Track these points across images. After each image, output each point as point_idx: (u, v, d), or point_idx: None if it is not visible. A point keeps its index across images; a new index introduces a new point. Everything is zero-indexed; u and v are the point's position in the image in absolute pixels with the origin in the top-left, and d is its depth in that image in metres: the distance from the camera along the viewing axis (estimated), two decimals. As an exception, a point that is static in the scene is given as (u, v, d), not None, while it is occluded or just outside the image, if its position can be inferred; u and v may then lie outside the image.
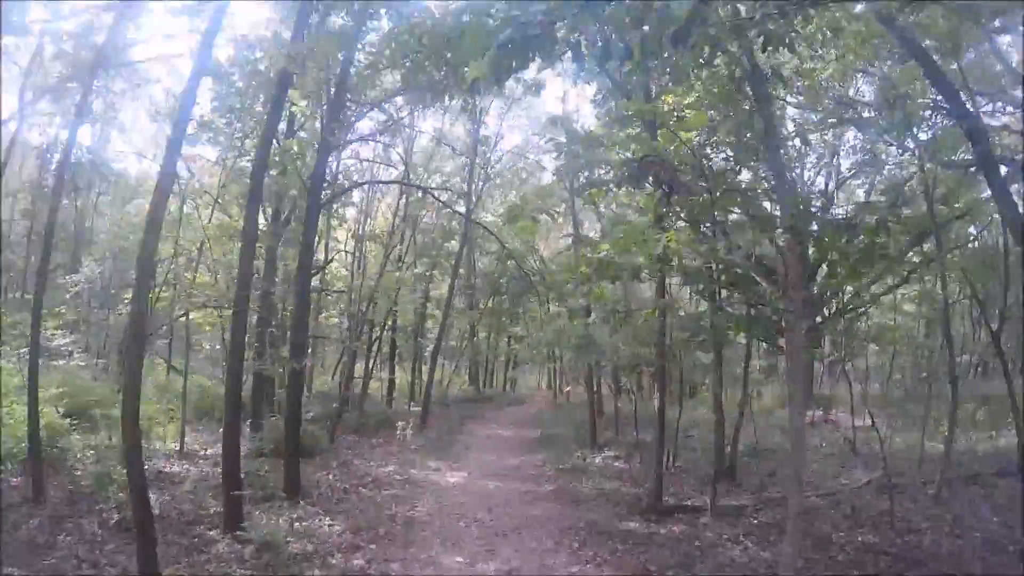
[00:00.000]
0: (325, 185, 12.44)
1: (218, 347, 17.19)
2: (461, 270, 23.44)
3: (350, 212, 23.03)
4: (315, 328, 22.02)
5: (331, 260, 17.60)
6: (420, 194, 22.37)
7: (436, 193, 17.79)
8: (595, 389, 16.58)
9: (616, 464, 13.16)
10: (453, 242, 24.08)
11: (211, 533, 7.90)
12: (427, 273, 23.76)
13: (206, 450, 13.16)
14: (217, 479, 11.18)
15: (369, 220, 22.10)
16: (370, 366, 21.81)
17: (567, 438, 16.44)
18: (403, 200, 21.58)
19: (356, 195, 22.14)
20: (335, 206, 19.95)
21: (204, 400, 16.35)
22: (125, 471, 8.99)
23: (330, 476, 11.42)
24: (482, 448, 15.74)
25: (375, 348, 21.28)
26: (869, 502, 9.77)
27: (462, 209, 20.12)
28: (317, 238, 20.16)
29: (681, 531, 8.35)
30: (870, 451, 13.00)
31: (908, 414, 15.89)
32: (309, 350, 22.59)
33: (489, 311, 26.10)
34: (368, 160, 19.07)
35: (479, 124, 22.42)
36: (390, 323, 24.03)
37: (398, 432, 15.26)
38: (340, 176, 19.52)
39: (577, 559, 7.19)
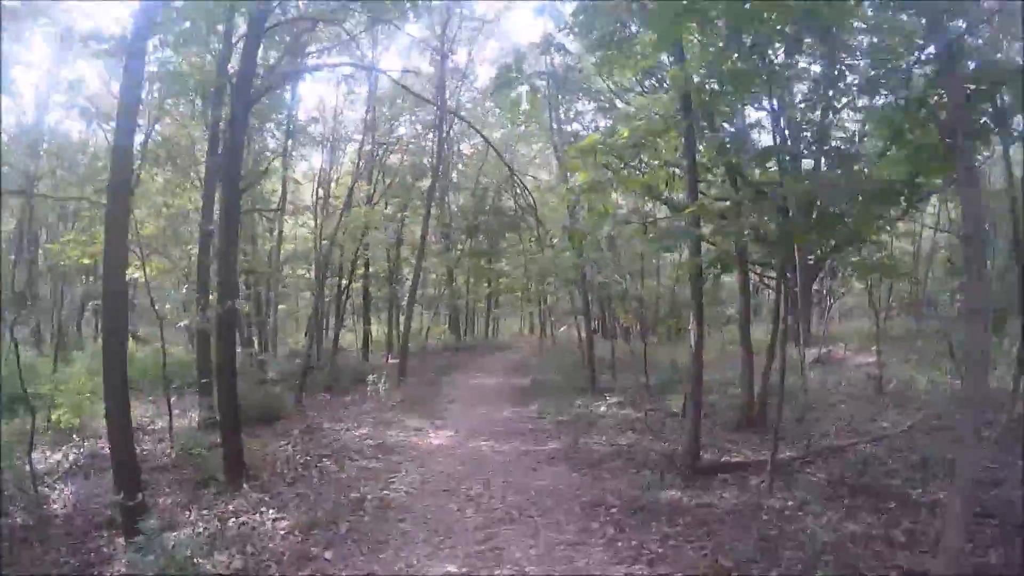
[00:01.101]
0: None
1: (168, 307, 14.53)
2: (434, 209, 20.80)
3: (316, 161, 20.22)
4: (281, 281, 19.54)
5: (266, 169, 14.59)
6: (388, 129, 19.62)
7: (406, 82, 14.78)
8: (591, 328, 14.32)
9: (624, 412, 11.05)
10: (425, 181, 21.39)
11: (120, 541, 5.62)
12: (398, 215, 21.12)
13: (154, 423, 10.86)
14: (159, 460, 8.89)
15: (333, 160, 19.13)
16: (342, 316, 19.41)
17: (560, 384, 14.32)
18: (368, 143, 18.70)
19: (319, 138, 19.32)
20: (293, 154, 17.21)
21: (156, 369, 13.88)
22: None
23: (289, 447, 9.12)
24: (468, 400, 13.55)
25: (346, 297, 18.74)
26: (929, 449, 7.82)
27: (436, 107, 17.11)
28: (279, 180, 17.45)
29: (736, 499, 6.23)
30: (895, 391, 11.17)
31: (926, 351, 14.24)
32: (278, 305, 20.17)
33: (468, 253, 23.55)
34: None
35: (447, 52, 19.43)
36: (361, 271, 21.54)
37: (369, 386, 12.94)
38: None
39: (616, 554, 5.00)
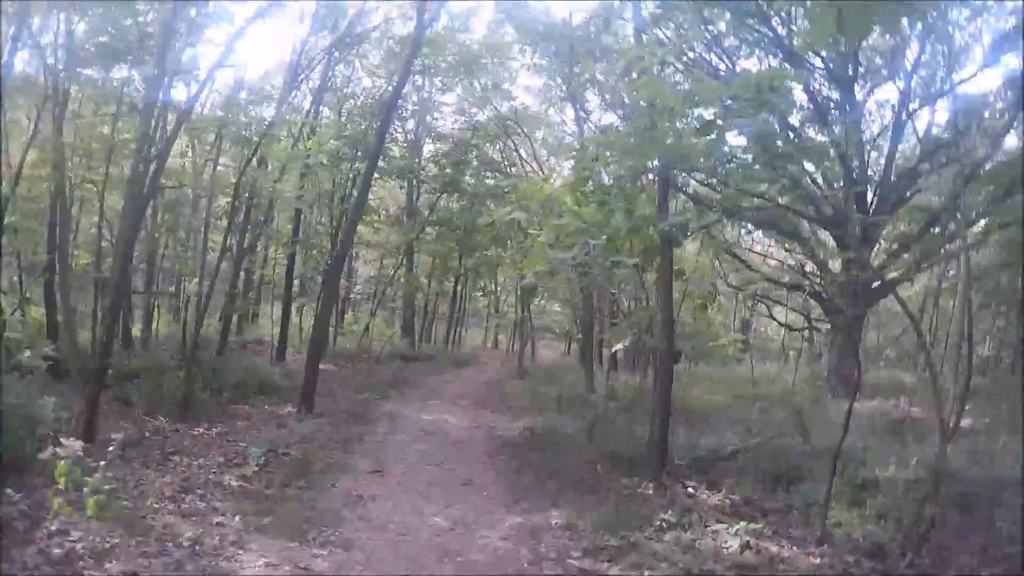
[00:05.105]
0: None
1: None
2: (398, 153, 13.73)
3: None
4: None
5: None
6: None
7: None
8: (672, 336, 7.07)
9: (767, 547, 4.20)
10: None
11: None
12: (346, 165, 13.94)
13: None
14: None
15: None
16: (235, 292, 12.11)
17: (578, 443, 7.44)
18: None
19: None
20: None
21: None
22: None
23: None
24: (415, 471, 6.44)
25: (238, 266, 11.28)
26: None
27: None
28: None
29: None
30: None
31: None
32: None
33: (429, 221, 16.10)
34: None
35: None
36: (286, 239, 14.24)
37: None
38: None
39: None
